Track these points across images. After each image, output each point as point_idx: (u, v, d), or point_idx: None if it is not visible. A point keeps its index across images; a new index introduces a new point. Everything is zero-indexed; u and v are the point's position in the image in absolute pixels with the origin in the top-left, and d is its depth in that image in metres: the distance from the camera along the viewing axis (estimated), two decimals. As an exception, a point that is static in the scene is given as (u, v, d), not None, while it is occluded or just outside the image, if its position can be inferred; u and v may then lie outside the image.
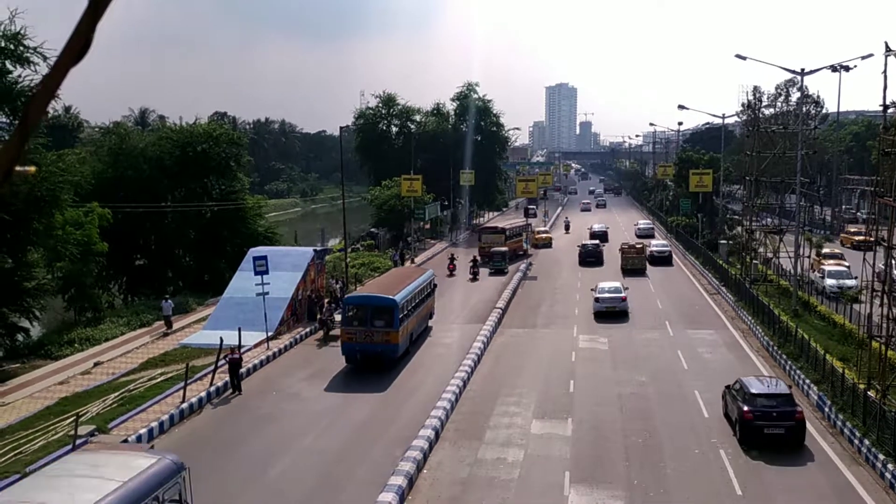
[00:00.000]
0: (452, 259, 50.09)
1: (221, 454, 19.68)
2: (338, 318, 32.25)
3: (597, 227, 68.41)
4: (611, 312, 36.38)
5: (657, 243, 57.15)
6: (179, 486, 13.17)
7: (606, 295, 37.11)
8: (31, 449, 18.79)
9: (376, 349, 27.39)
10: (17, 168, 1.75)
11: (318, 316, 33.38)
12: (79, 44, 1.70)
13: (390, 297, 28.09)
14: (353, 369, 27.65)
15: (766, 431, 19.78)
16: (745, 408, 19.98)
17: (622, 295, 37.33)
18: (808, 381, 24.16)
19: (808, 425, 20.89)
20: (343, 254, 46.43)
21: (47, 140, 35.06)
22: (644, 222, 76.69)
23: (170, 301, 33.87)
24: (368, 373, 27.13)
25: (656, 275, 48.95)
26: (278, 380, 26.46)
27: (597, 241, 57.72)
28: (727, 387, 22.29)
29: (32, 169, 27.21)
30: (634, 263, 49.20)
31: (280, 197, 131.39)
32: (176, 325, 33.83)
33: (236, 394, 24.75)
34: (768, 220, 46.16)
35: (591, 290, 38.56)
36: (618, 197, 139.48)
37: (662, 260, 52.68)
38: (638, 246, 51.29)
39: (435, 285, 35.78)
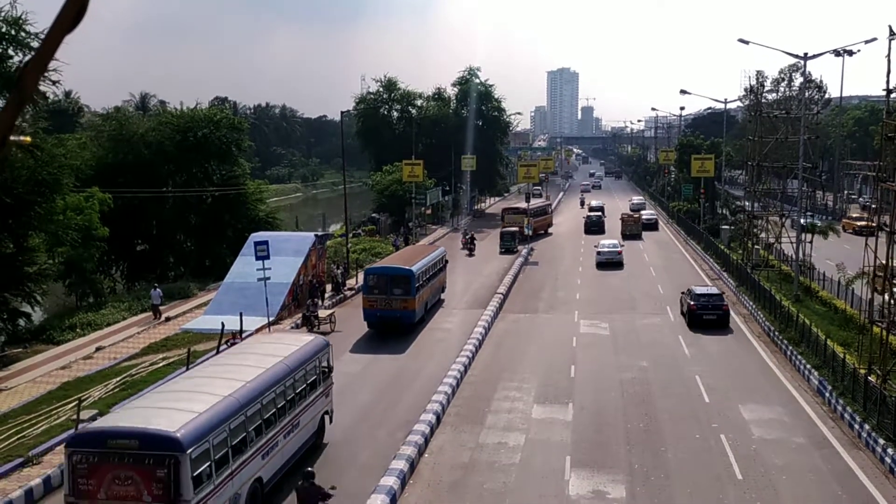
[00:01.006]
0: (465, 234, 55.45)
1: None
2: (323, 313, 31.73)
3: (594, 203, 78.41)
4: (610, 262, 46.62)
5: (647, 213, 70.07)
6: (328, 355, 19.96)
7: (606, 249, 47.66)
8: (33, 433, 18.88)
9: (395, 315, 29.98)
10: (13, 137, 1.73)
11: (303, 312, 31.21)
12: (73, 10, 1.67)
13: (408, 267, 30.82)
14: (354, 353, 27.75)
15: (704, 317, 31.17)
16: (692, 302, 31.61)
17: (618, 249, 47.91)
18: (808, 365, 24.18)
19: (809, 409, 21.32)
20: (344, 239, 46.45)
21: (48, 124, 35.04)
22: (637, 198, 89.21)
23: (158, 290, 33.20)
24: (370, 357, 27.21)
25: (648, 238, 59.38)
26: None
27: (599, 213, 67.62)
28: (682, 292, 33.99)
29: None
30: (632, 229, 60.52)
31: (281, 182, 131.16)
32: (178, 310, 33.85)
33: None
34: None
35: (595, 246, 48.97)
36: (619, 181, 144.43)
37: (650, 226, 65.01)
38: (635, 216, 63.93)
39: (446, 261, 37.99)
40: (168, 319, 32.22)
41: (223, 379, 15.80)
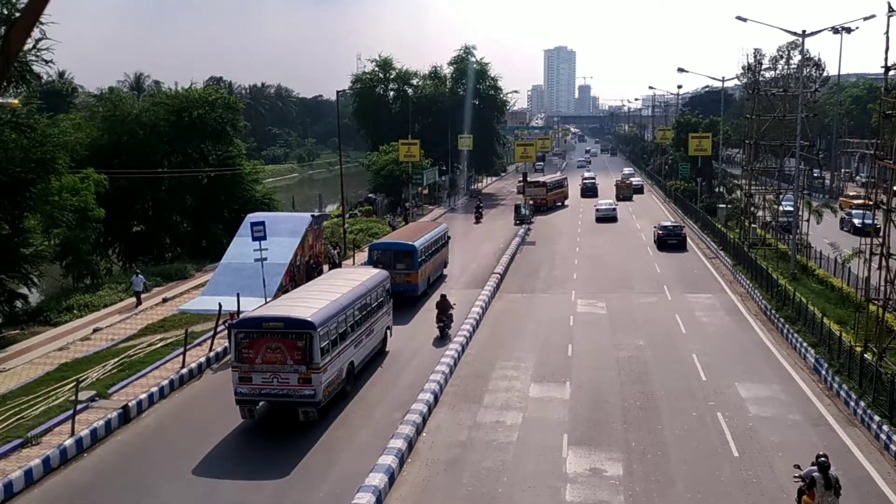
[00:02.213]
0: (478, 203, 62.52)
1: (222, 419, 19.76)
2: None
3: (587, 174, 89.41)
4: (606, 217, 57.49)
5: (635, 180, 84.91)
6: (388, 284, 25.99)
7: (604, 207, 59.03)
8: (32, 414, 18.89)
9: (399, 289, 30.43)
10: (0, 100, 1.68)
11: None
12: None
13: (410, 243, 32.21)
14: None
15: (668, 242, 44.55)
16: (660, 232, 45.53)
17: (614, 207, 59.66)
18: (805, 343, 24.25)
19: (805, 387, 21.55)
20: (341, 219, 46.32)
21: (41, 104, 34.75)
22: (627, 170, 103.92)
23: (141, 276, 32.43)
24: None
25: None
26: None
27: (593, 180, 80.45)
28: (654, 226, 47.92)
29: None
30: (624, 193, 74.35)
31: (277, 163, 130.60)
32: (175, 291, 33.80)
33: (236, 359, 24.81)
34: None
35: (594, 206, 60.22)
36: (613, 157, 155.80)
37: (638, 190, 79.68)
38: (627, 182, 79.12)
39: (449, 237, 38.99)
40: (165, 300, 32.18)
41: (327, 291, 22.22)
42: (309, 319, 18.78)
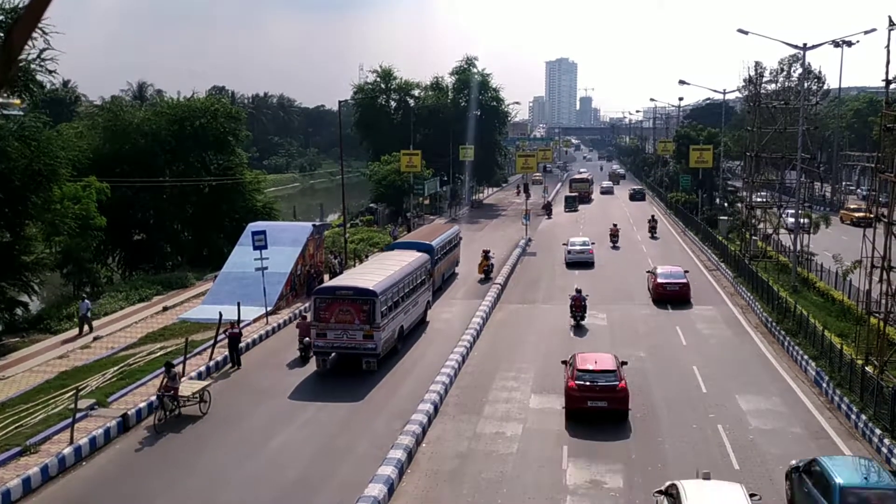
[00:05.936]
0: (520, 188, 74.19)
1: (221, 427, 19.75)
2: (191, 386, 20.88)
3: (583, 170, 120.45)
4: (608, 192, 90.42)
5: (620, 170, 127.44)
6: (429, 264, 31.17)
7: (606, 185, 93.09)
8: (31, 422, 18.86)
9: None
10: (1, 100, 1.68)
11: (157, 393, 20.17)
12: None
13: (428, 242, 35.19)
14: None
15: (636, 197, 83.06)
16: (630, 192, 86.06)
17: (612, 186, 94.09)
18: (806, 356, 24.21)
19: (806, 400, 21.56)
20: (342, 229, 46.35)
21: (44, 114, 34.84)
22: (615, 164, 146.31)
23: (87, 302, 29.09)
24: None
25: (621, 182, 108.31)
26: (278, 354, 26.46)
27: (586, 173, 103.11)
28: (628, 190, 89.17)
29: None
30: (615, 179, 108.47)
31: (278, 172, 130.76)
32: (175, 300, 33.74)
33: (236, 368, 24.79)
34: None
35: (600, 185, 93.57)
36: (609, 162, 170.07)
37: (622, 177, 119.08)
38: (615, 172, 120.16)
39: (461, 238, 42.66)
40: (165, 309, 32.15)
41: (383, 268, 27.06)
42: (372, 288, 23.82)
